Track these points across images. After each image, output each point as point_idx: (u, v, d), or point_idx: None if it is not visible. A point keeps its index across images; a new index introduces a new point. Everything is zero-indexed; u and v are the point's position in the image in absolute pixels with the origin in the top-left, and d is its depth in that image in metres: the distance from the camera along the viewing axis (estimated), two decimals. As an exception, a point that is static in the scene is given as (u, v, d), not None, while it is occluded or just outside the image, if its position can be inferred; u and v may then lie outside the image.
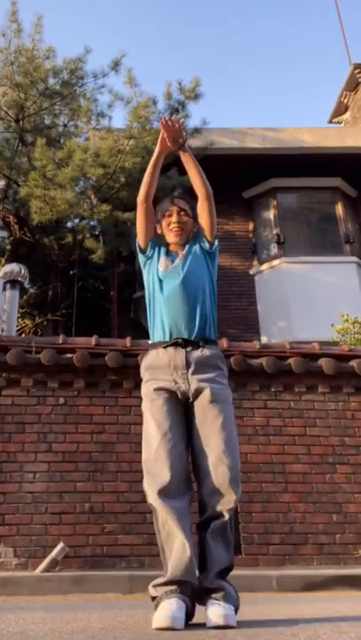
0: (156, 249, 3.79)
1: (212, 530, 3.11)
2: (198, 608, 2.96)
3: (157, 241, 3.81)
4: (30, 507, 6.06)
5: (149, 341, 3.64)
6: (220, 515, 3.12)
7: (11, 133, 12.81)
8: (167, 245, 3.79)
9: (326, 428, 6.81)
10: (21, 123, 12.44)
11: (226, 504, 3.12)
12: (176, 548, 3.03)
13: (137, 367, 6.60)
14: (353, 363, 7.07)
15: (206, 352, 3.43)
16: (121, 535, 5.99)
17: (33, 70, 12.09)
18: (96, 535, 6.00)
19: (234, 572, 3.08)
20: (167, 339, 3.47)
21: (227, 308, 12.65)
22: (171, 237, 3.75)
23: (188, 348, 3.42)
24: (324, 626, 2.75)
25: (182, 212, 3.77)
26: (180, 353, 3.41)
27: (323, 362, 6.95)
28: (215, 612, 2.83)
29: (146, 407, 3.40)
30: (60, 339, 6.89)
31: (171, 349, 3.43)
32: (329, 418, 6.86)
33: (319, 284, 12.77)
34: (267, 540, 6.17)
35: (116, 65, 12.57)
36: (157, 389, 3.37)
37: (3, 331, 7.25)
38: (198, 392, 3.32)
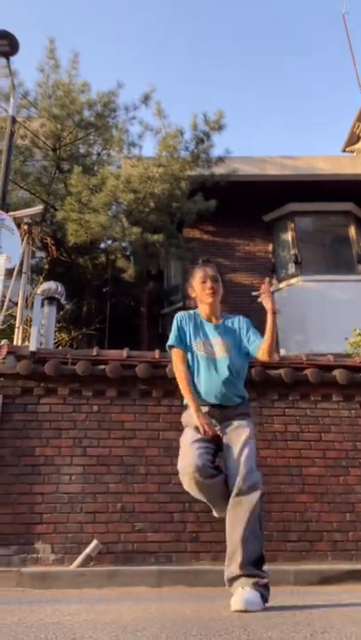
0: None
1: None
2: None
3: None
4: (66, 506, 6.08)
5: None
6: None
7: (48, 162, 12.98)
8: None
9: (340, 433, 6.79)
10: (58, 152, 12.59)
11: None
12: None
13: (165, 378, 6.66)
14: (365, 374, 7.05)
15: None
16: (150, 533, 5.99)
17: (69, 103, 12.21)
18: (127, 533, 6.01)
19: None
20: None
21: (248, 324, 12.59)
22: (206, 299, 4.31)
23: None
24: (338, 616, 2.75)
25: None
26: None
27: (337, 373, 6.94)
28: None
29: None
30: (94, 351, 6.93)
31: None
32: (342, 424, 6.84)
33: (333, 301, 12.75)
34: (285, 538, 6.15)
35: (146, 99, 12.71)
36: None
37: (41, 344, 7.29)
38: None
